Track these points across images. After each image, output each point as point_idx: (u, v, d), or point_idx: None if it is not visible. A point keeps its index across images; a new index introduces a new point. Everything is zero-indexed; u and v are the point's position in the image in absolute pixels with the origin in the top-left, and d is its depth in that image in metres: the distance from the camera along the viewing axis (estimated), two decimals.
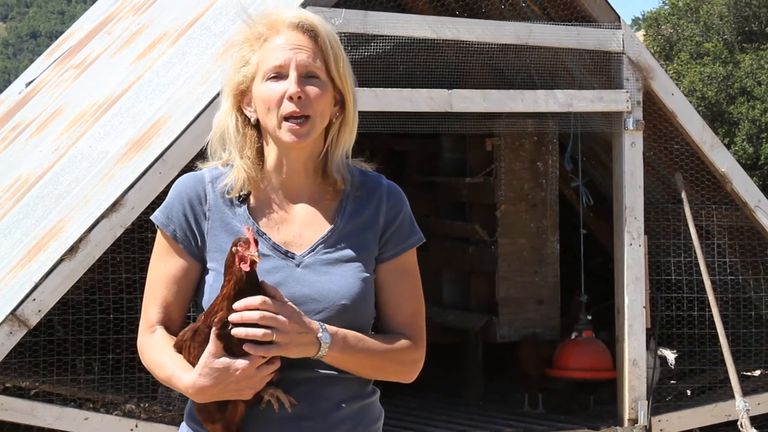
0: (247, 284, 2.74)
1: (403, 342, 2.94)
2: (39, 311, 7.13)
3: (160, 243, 2.95)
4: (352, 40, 7.78)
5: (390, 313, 2.96)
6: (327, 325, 2.81)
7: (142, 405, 7.47)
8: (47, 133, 9.97)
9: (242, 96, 2.94)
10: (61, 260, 7.19)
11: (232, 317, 2.72)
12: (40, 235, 7.72)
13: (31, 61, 18.23)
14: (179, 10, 10.47)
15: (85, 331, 7.48)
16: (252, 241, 2.73)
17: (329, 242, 2.90)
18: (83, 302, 7.52)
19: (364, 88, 7.74)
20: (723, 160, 8.95)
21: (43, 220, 7.92)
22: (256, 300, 2.72)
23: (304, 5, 7.66)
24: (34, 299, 7.12)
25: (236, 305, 2.72)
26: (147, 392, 7.50)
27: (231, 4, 9.24)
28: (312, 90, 2.86)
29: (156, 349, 2.89)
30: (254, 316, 2.71)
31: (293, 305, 2.79)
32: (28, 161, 9.59)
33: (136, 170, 7.44)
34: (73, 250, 7.21)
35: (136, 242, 7.37)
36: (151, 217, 3.01)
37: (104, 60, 10.97)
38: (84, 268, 7.24)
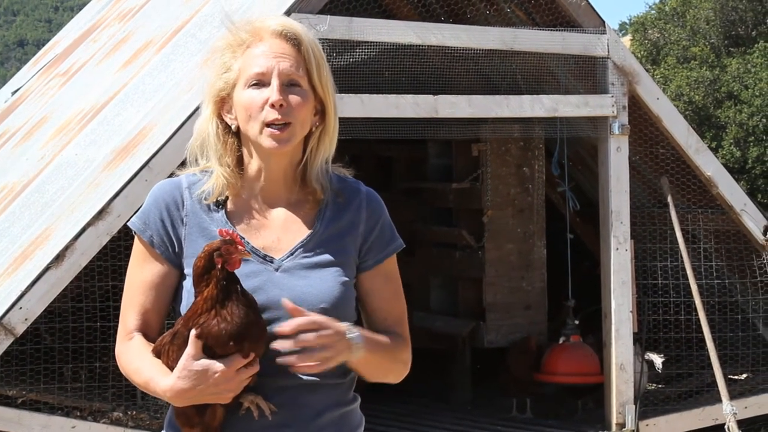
0: (231, 283, 2.73)
1: (399, 340, 2.95)
2: (26, 319, 7.11)
3: (138, 249, 2.94)
4: (338, 47, 7.77)
5: (381, 317, 2.97)
6: (351, 325, 2.81)
7: (129, 413, 7.45)
8: (33, 142, 9.95)
9: (222, 103, 2.92)
10: (47, 268, 7.18)
11: (281, 343, 2.71)
12: (26, 244, 7.70)
13: (19, 69, 18.18)
14: (165, 17, 10.46)
15: (72, 339, 7.46)
16: (237, 239, 2.74)
17: (308, 246, 2.89)
18: (70, 310, 7.51)
19: (350, 95, 7.74)
20: (708, 164, 8.97)
21: (30, 229, 7.90)
22: (303, 320, 2.72)
23: (289, 11, 7.66)
24: (21, 308, 7.10)
25: (284, 329, 2.70)
26: (134, 400, 7.48)
27: (216, 11, 9.23)
28: (294, 98, 2.85)
29: (133, 356, 2.87)
30: (309, 337, 2.71)
31: (322, 317, 2.77)
32: (14, 169, 9.57)
33: (122, 178, 7.43)
34: (59, 258, 7.20)
35: (122, 250, 7.36)
36: (128, 223, 2.99)
37: (90, 68, 10.96)
38: (70, 276, 7.23)
